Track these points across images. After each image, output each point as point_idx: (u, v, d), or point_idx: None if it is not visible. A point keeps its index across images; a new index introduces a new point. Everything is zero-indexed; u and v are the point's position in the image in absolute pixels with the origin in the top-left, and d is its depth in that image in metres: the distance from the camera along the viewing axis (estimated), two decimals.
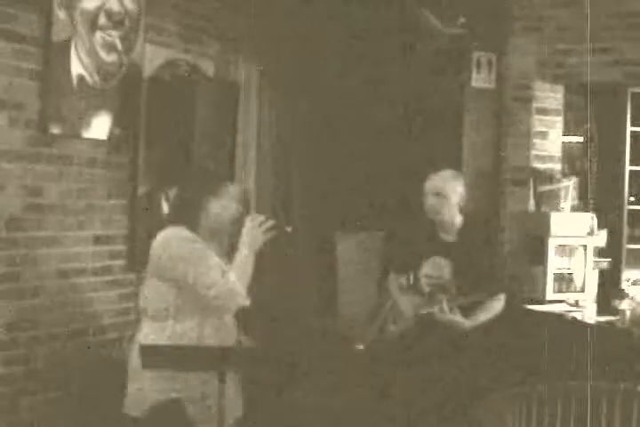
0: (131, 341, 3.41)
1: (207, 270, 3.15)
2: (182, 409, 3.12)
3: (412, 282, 3.88)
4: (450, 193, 3.85)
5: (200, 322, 3.19)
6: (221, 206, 3.28)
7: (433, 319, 3.71)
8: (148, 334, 3.20)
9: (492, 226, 5.14)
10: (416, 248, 3.93)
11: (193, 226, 3.24)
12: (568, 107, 5.34)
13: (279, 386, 4.33)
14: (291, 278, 5.46)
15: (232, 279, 3.18)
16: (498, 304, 3.84)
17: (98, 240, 4.22)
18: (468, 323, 3.72)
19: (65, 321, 4.02)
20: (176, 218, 3.30)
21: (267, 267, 5.24)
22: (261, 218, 3.29)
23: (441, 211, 3.86)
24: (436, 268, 3.82)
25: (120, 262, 4.36)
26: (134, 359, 3.16)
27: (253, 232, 3.25)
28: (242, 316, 3.36)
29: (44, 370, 3.89)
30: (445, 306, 3.68)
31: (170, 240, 3.22)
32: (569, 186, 5.16)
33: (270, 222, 3.28)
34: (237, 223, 3.31)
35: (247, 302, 3.26)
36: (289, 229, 3.37)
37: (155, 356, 3.00)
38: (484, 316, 3.78)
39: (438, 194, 3.84)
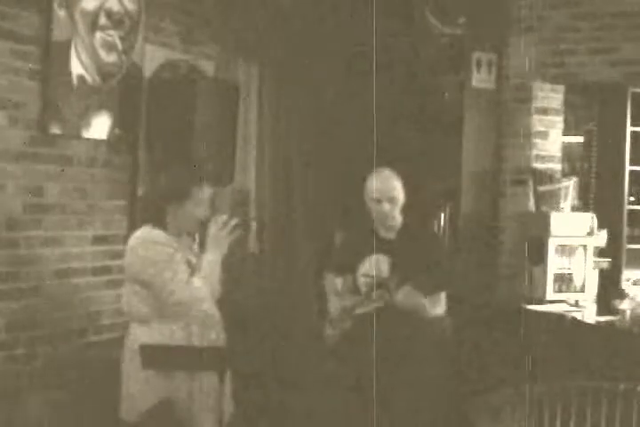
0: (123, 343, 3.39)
1: (173, 276, 3.10)
2: (171, 409, 3.09)
3: (349, 282, 3.74)
4: (400, 195, 3.73)
5: (170, 326, 3.15)
6: (187, 211, 3.20)
7: (388, 312, 3.57)
8: (134, 335, 3.19)
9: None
10: (355, 247, 3.80)
11: (162, 228, 3.19)
12: (568, 107, 5.34)
13: (271, 386, 4.33)
14: (290, 279, 5.45)
15: (196, 285, 3.13)
16: (440, 308, 3.72)
17: (98, 240, 4.21)
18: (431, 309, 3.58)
19: (65, 321, 4.02)
20: (145, 219, 3.26)
21: (266, 267, 5.28)
22: (224, 218, 3.21)
23: (394, 215, 3.73)
24: (375, 266, 3.66)
25: (120, 262, 4.34)
26: (127, 362, 3.17)
27: (217, 235, 3.18)
28: (239, 316, 3.34)
29: (44, 370, 3.89)
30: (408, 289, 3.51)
31: (142, 242, 3.19)
32: (569, 186, 5.16)
33: (233, 221, 3.20)
34: (206, 225, 3.23)
35: (214, 309, 3.21)
36: (253, 223, 3.30)
37: (154, 356, 3.00)
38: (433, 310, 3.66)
39: (392, 199, 3.70)
